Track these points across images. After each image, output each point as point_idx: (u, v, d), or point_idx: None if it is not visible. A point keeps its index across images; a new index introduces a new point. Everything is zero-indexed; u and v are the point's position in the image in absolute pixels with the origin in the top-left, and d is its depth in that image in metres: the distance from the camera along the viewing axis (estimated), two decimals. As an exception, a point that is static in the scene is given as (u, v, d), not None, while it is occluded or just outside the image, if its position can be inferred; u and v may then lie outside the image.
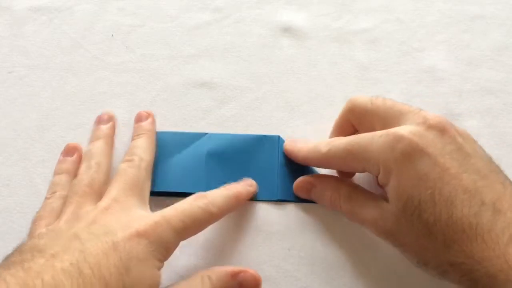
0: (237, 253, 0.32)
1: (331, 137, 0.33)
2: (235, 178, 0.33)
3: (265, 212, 0.33)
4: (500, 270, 0.23)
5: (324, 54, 0.40)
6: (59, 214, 0.29)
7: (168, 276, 0.31)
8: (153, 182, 0.33)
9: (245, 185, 0.32)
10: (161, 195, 0.33)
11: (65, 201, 0.30)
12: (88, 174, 0.31)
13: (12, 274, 0.22)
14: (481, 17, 0.41)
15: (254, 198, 0.33)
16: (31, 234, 0.29)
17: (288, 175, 0.34)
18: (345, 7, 0.42)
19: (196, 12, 0.41)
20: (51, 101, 0.37)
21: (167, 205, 0.30)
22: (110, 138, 0.35)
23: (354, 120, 0.31)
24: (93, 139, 0.34)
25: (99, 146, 0.33)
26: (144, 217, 0.27)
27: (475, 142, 0.28)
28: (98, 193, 0.30)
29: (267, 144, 0.35)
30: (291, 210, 0.33)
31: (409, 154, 0.25)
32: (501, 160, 0.35)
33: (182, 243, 0.31)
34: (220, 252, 0.32)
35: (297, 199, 0.33)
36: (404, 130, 0.26)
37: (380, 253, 0.31)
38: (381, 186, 0.28)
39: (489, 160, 0.27)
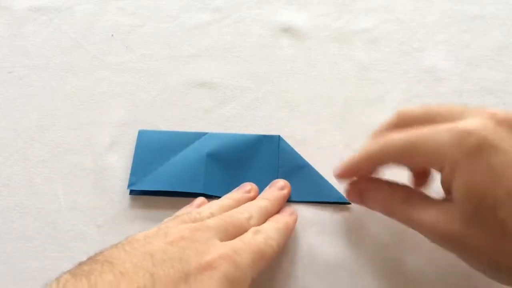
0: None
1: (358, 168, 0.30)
2: (234, 177, 0.33)
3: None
4: None
5: (324, 54, 0.40)
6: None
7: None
8: (152, 181, 0.33)
9: (289, 214, 0.31)
10: (159, 194, 0.33)
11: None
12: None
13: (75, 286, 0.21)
14: (481, 17, 0.41)
15: None
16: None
17: (288, 175, 0.34)
18: (345, 7, 0.42)
19: (196, 12, 0.41)
20: (51, 101, 0.37)
21: (166, 205, 0.30)
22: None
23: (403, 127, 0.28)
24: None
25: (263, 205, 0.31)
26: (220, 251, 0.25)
27: None
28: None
29: (267, 144, 0.35)
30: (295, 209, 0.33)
31: (481, 149, 0.23)
32: (501, 160, 0.36)
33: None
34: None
35: (297, 199, 0.33)
36: (472, 124, 0.24)
37: (380, 253, 0.31)
38: (444, 185, 0.26)
39: None
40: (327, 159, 0.34)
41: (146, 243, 0.24)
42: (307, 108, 0.37)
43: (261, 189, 0.33)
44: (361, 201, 0.30)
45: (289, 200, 0.33)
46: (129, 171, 0.34)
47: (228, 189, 0.33)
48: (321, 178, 0.34)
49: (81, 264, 0.23)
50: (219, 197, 0.32)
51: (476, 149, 0.23)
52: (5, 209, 0.33)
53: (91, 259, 0.23)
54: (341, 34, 0.40)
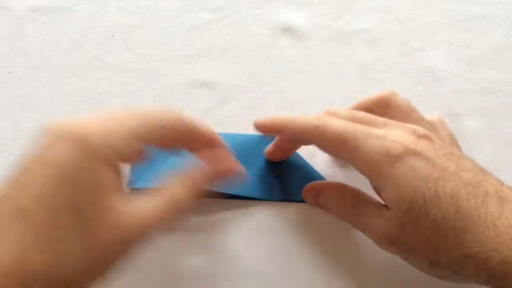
0: (237, 253, 0.32)
1: (286, 133, 0.30)
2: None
3: (265, 212, 0.33)
4: None
5: (324, 54, 0.40)
6: None
7: (168, 276, 0.31)
8: (152, 179, 0.33)
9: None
10: None
11: None
12: None
13: None
14: (481, 17, 0.41)
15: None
16: None
17: (288, 175, 0.34)
18: (345, 7, 0.42)
19: (196, 12, 0.41)
20: (51, 101, 0.37)
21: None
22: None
23: (376, 109, 0.30)
24: None
25: None
26: None
27: (460, 152, 0.28)
28: None
29: (267, 144, 0.35)
30: (291, 210, 0.33)
31: (404, 156, 0.25)
32: (501, 160, 0.36)
33: (184, 245, 0.31)
34: (220, 252, 0.32)
35: (297, 199, 0.33)
36: (399, 136, 0.26)
37: (380, 253, 0.31)
38: (376, 192, 0.28)
39: (477, 163, 0.27)
40: (327, 159, 0.35)
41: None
42: (307, 108, 0.37)
43: (261, 189, 0.33)
44: (317, 203, 0.32)
45: (289, 200, 0.33)
46: (128, 170, 0.34)
47: (230, 189, 0.33)
48: (321, 178, 0.34)
49: None
50: (221, 193, 0.33)
51: (400, 157, 0.25)
52: (5, 209, 0.33)
53: None
54: (341, 34, 0.40)
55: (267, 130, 0.30)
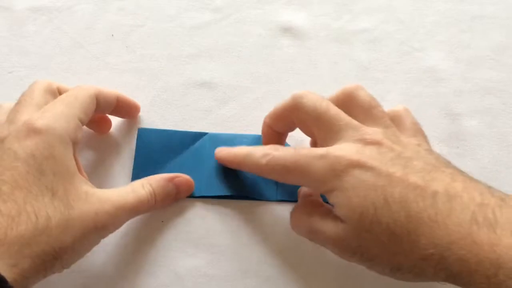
0: (237, 253, 0.32)
1: (266, 121, 0.32)
2: (235, 178, 0.33)
3: (265, 212, 0.33)
4: (469, 251, 0.22)
5: (324, 54, 0.40)
6: None
7: (168, 276, 0.31)
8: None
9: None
10: None
11: None
12: None
13: None
14: (481, 17, 0.41)
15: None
16: None
17: None
18: (345, 7, 0.42)
19: (196, 12, 0.41)
20: (51, 101, 0.37)
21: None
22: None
23: (295, 118, 0.30)
24: None
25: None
26: None
27: (418, 145, 0.28)
28: None
29: None
30: (290, 210, 0.33)
31: (349, 170, 0.26)
32: (501, 160, 0.36)
33: (184, 245, 0.31)
34: (220, 252, 0.32)
35: (293, 199, 0.33)
36: (342, 150, 0.27)
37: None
38: (333, 209, 0.28)
39: (435, 158, 0.27)
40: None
41: None
42: (307, 108, 0.37)
43: (260, 189, 0.33)
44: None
45: (289, 201, 0.33)
46: (128, 171, 0.34)
47: (229, 190, 0.33)
48: None
49: None
50: (222, 197, 0.33)
51: (346, 170, 0.26)
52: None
53: None
54: (341, 34, 0.40)
55: (228, 165, 0.32)
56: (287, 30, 0.41)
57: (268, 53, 0.40)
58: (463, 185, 0.25)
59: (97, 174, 0.34)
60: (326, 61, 0.39)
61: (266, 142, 0.33)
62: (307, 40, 0.40)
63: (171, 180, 0.32)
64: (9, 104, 0.30)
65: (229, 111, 0.37)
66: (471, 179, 0.26)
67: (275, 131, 0.32)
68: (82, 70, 0.39)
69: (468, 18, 0.41)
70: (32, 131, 0.26)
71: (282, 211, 0.33)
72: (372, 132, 0.27)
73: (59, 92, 0.31)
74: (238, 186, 0.33)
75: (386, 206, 0.25)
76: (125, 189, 0.29)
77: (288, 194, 0.33)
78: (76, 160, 0.28)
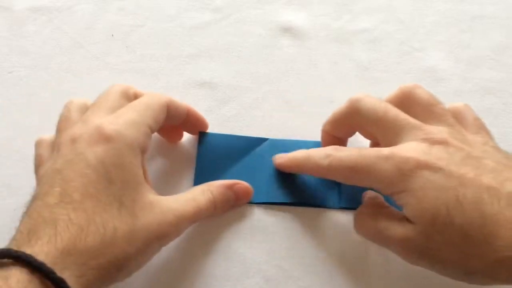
0: (238, 253, 0.32)
1: (325, 128, 0.32)
2: (298, 185, 0.33)
3: (265, 213, 0.33)
4: None
5: (324, 54, 0.40)
6: None
7: (168, 276, 0.31)
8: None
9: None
10: None
11: None
12: (63, 113, 0.31)
13: (22, 223, 0.25)
14: (481, 17, 0.41)
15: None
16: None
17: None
18: (345, 7, 0.42)
19: (196, 12, 0.41)
20: (51, 101, 0.37)
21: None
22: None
23: (353, 123, 0.30)
24: None
25: None
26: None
27: (485, 143, 0.27)
28: None
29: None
30: (291, 211, 0.33)
31: (418, 171, 0.25)
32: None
33: (184, 245, 0.31)
34: (221, 252, 0.32)
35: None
36: (408, 150, 0.26)
37: (379, 253, 0.31)
38: (400, 210, 0.27)
39: (505, 156, 0.26)
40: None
41: (52, 167, 0.27)
42: (307, 108, 0.37)
43: (324, 196, 0.33)
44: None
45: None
46: (189, 174, 0.34)
47: (288, 197, 0.33)
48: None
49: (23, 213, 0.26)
50: (283, 204, 0.33)
51: (414, 171, 0.25)
52: (5, 209, 0.33)
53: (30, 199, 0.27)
54: (341, 34, 0.40)
55: (288, 170, 0.32)
56: (287, 30, 0.41)
57: (268, 53, 0.40)
58: None
59: (159, 178, 0.34)
60: (326, 61, 0.39)
61: None
62: (307, 40, 0.40)
63: (231, 187, 0.32)
64: (79, 100, 0.31)
65: (229, 111, 0.37)
66: None
67: (335, 137, 0.32)
68: (82, 70, 0.39)
69: (468, 18, 0.41)
70: (103, 137, 0.26)
71: (282, 211, 0.33)
72: (437, 131, 0.27)
73: (135, 97, 0.31)
74: (298, 192, 0.33)
75: (459, 207, 0.24)
76: (187, 196, 0.29)
77: (351, 200, 0.33)
78: (143, 168, 0.28)
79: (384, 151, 0.27)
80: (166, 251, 0.32)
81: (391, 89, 0.38)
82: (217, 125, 0.36)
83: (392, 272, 0.31)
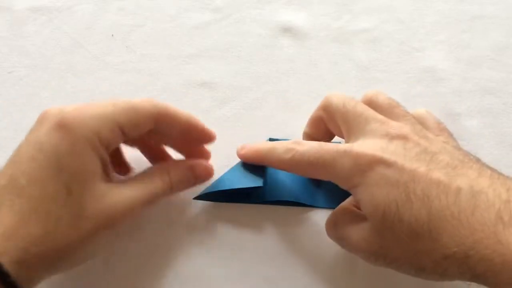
0: (237, 254, 0.32)
1: (306, 130, 0.33)
2: (299, 180, 0.34)
3: (265, 213, 0.33)
4: (494, 251, 0.22)
5: (324, 54, 0.40)
6: None
7: (168, 276, 0.31)
8: (212, 185, 0.32)
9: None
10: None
11: None
12: None
13: None
14: (481, 17, 0.41)
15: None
16: None
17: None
18: (345, 7, 0.42)
19: (196, 12, 0.41)
20: (51, 101, 0.37)
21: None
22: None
23: (325, 118, 0.31)
24: None
25: None
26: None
27: (446, 142, 0.27)
28: None
29: None
30: (290, 211, 0.33)
31: (373, 166, 0.25)
32: (501, 160, 0.36)
33: (184, 245, 0.31)
34: (220, 252, 0.32)
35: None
36: (367, 145, 0.26)
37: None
38: (358, 207, 0.28)
39: (463, 154, 0.27)
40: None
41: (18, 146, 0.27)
42: (307, 108, 0.37)
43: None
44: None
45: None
46: None
47: (289, 191, 0.33)
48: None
49: None
50: (281, 203, 0.33)
51: (369, 167, 0.26)
52: (5, 209, 0.33)
53: None
54: (341, 34, 0.40)
55: (251, 161, 0.31)
56: (287, 30, 0.41)
57: (268, 53, 0.40)
58: (490, 181, 0.24)
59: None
60: (326, 61, 0.39)
61: None
62: (307, 40, 0.40)
63: (190, 168, 0.31)
64: None
65: (229, 111, 0.37)
66: (500, 175, 0.25)
67: (316, 140, 0.32)
68: (82, 70, 0.39)
69: (468, 18, 0.41)
70: (62, 124, 0.26)
71: (283, 212, 0.33)
72: (398, 126, 0.27)
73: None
74: (295, 192, 0.33)
75: (408, 204, 0.24)
76: (142, 179, 0.29)
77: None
78: (104, 160, 0.27)
79: (344, 146, 0.27)
80: (166, 251, 0.32)
81: (391, 89, 0.38)
82: (217, 125, 0.36)
83: (389, 274, 0.31)
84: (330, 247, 0.32)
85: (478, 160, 0.26)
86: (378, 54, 0.40)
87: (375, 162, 0.26)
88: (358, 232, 0.27)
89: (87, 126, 0.26)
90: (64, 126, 0.26)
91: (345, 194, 0.29)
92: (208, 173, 0.32)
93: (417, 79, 0.38)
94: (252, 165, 0.32)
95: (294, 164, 0.28)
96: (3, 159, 0.35)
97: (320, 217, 0.33)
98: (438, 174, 0.24)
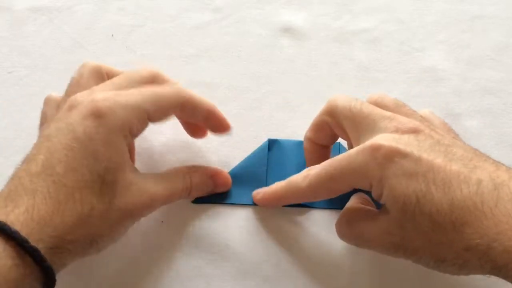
0: (237, 254, 0.32)
1: (308, 135, 0.32)
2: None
3: (264, 213, 0.33)
4: None
5: (324, 54, 0.40)
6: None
7: (168, 276, 0.31)
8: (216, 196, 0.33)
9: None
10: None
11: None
12: (74, 78, 0.31)
13: (6, 186, 0.25)
14: (481, 17, 0.41)
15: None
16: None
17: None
18: (345, 7, 0.42)
19: (196, 12, 0.41)
20: (51, 101, 0.37)
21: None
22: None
23: (331, 123, 0.30)
24: None
25: None
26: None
27: (454, 138, 0.28)
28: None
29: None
30: (289, 211, 0.33)
31: (391, 158, 0.25)
32: (501, 160, 0.35)
33: (184, 245, 0.31)
34: (220, 252, 0.32)
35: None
36: (379, 139, 0.26)
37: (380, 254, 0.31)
38: (377, 201, 0.28)
39: (473, 149, 0.27)
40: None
41: (47, 126, 0.28)
42: (307, 108, 0.37)
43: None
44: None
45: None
46: None
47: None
48: None
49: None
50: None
51: (387, 158, 0.25)
52: (5, 209, 0.33)
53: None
54: (341, 34, 0.40)
55: (271, 205, 0.32)
56: (287, 30, 0.41)
57: (268, 53, 0.40)
58: (508, 174, 0.24)
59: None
60: (326, 61, 0.39)
61: (310, 158, 0.32)
62: (307, 40, 0.40)
63: (212, 176, 0.32)
64: (93, 64, 0.31)
65: (229, 111, 0.37)
66: None
67: (318, 145, 0.32)
68: (82, 70, 0.39)
69: (468, 18, 0.41)
70: (96, 112, 0.26)
71: (282, 212, 0.33)
72: (408, 121, 0.27)
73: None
74: None
75: (429, 195, 0.24)
76: (167, 178, 0.30)
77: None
78: (131, 149, 0.28)
79: (354, 149, 0.27)
80: (166, 251, 0.32)
81: (391, 89, 0.38)
82: (217, 125, 0.36)
83: (392, 271, 0.31)
84: (330, 247, 0.32)
85: (489, 156, 0.26)
86: (378, 54, 0.40)
87: (391, 154, 0.25)
88: (377, 226, 0.26)
89: (120, 116, 0.27)
90: (98, 115, 0.26)
91: (345, 194, 0.29)
92: (227, 184, 0.33)
93: (417, 79, 0.38)
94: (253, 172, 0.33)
95: (314, 187, 0.28)
96: (3, 159, 0.35)
97: (319, 217, 0.33)
98: (456, 165, 0.24)
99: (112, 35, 0.40)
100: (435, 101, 0.38)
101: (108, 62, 0.39)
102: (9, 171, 0.34)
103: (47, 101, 0.31)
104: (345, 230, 0.29)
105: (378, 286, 0.31)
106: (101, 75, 0.31)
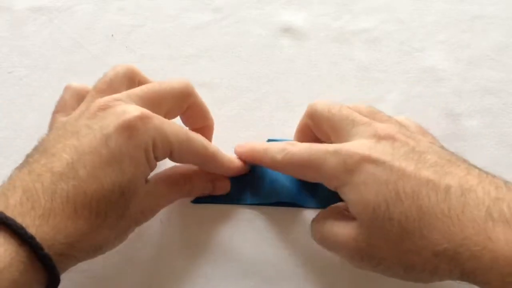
0: (237, 254, 0.32)
1: (294, 139, 0.33)
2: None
3: (265, 213, 0.33)
4: (483, 248, 0.22)
5: (324, 54, 0.40)
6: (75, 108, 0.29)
7: (167, 276, 0.31)
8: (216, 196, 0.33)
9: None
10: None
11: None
12: (108, 74, 0.30)
13: (20, 177, 0.25)
14: (481, 17, 0.41)
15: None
16: (49, 127, 0.30)
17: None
18: (345, 7, 0.42)
19: (196, 12, 0.41)
20: (51, 101, 0.37)
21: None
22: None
23: (312, 126, 0.31)
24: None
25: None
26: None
27: (431, 143, 0.28)
28: (115, 92, 0.29)
29: None
30: (289, 212, 0.33)
31: (362, 165, 0.26)
32: (501, 160, 0.36)
33: (184, 245, 0.31)
34: (220, 252, 0.32)
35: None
36: (354, 146, 0.27)
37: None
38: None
39: (449, 153, 0.27)
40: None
41: (74, 121, 0.27)
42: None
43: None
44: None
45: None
46: None
47: (286, 193, 0.33)
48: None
49: (28, 154, 0.26)
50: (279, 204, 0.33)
51: (358, 166, 0.26)
52: (5, 209, 0.33)
53: (35, 148, 0.27)
54: (341, 34, 0.40)
55: (246, 160, 0.32)
56: (287, 30, 0.41)
57: (268, 53, 0.40)
58: (478, 179, 0.24)
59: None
60: (326, 61, 0.39)
61: None
62: (307, 40, 0.40)
63: (212, 181, 0.32)
64: (126, 67, 0.30)
65: (229, 111, 0.37)
66: (487, 173, 0.25)
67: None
68: (82, 70, 0.39)
69: (468, 18, 0.41)
70: (132, 126, 0.26)
71: (283, 212, 0.33)
72: (385, 126, 0.27)
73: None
74: (297, 193, 0.33)
75: (398, 202, 0.24)
76: (173, 181, 0.30)
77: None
78: (152, 169, 0.28)
79: (333, 146, 0.27)
80: (166, 251, 0.32)
81: (391, 89, 0.38)
82: (217, 125, 0.36)
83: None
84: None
85: (465, 160, 0.27)
86: (378, 54, 0.40)
87: (363, 161, 0.26)
88: (345, 230, 0.27)
89: (149, 135, 0.26)
90: (132, 129, 0.26)
91: None
92: (226, 189, 0.33)
93: (417, 79, 0.38)
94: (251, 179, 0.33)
95: (285, 164, 0.29)
96: (3, 159, 0.35)
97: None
98: (426, 173, 0.25)
99: (112, 35, 0.40)
100: (435, 101, 0.38)
101: (108, 62, 0.39)
102: (9, 171, 0.35)
103: (67, 89, 0.31)
104: (318, 228, 0.29)
105: (378, 286, 0.31)
106: (134, 80, 0.31)
